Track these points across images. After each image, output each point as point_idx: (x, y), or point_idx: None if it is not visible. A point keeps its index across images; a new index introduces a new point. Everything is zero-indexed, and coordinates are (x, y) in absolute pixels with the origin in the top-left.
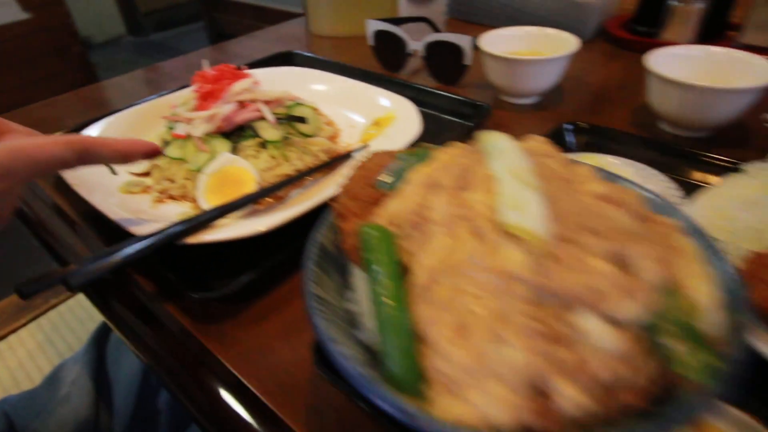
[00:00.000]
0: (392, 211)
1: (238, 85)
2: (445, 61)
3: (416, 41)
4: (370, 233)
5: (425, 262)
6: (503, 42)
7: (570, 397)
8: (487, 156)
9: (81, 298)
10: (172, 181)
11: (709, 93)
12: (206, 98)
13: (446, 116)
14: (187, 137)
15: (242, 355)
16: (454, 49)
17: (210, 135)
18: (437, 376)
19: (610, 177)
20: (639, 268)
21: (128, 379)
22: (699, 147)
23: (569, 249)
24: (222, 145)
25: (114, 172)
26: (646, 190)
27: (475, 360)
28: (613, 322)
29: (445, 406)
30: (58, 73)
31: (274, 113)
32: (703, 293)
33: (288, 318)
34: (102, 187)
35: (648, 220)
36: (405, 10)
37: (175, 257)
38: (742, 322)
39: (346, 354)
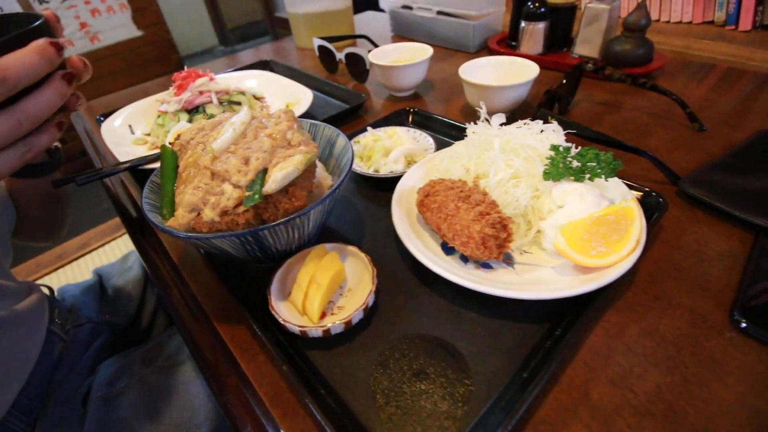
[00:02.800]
0: (181, 140)
1: (198, 81)
2: (357, 66)
3: (340, 52)
4: (166, 149)
5: (181, 163)
6: (388, 54)
7: (208, 215)
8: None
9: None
10: (157, 137)
11: (494, 89)
12: (179, 89)
13: (338, 102)
14: (166, 112)
15: None
16: (360, 59)
17: (178, 111)
18: (176, 207)
19: (305, 126)
20: (252, 163)
21: None
22: None
23: (228, 156)
24: (184, 117)
25: (132, 132)
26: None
27: (180, 199)
28: (234, 185)
29: (172, 221)
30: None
31: (220, 99)
32: (271, 176)
33: None
34: (122, 140)
35: (286, 143)
36: (360, 29)
37: None
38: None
39: (155, 217)
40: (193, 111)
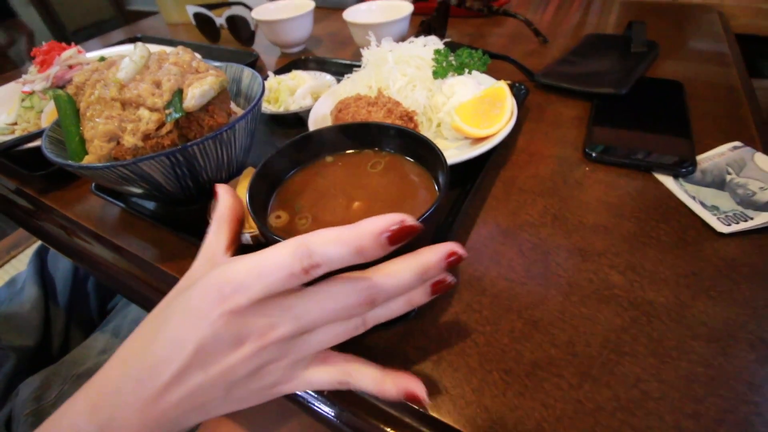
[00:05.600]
0: (75, 82)
1: (65, 54)
2: (241, 30)
3: (219, 18)
4: (59, 94)
5: (82, 104)
6: (271, 12)
7: (130, 141)
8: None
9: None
10: (28, 121)
11: (379, 25)
12: (42, 65)
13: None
14: (32, 92)
15: None
16: (243, 20)
17: (48, 89)
18: (87, 146)
19: (203, 60)
20: (165, 85)
21: (63, 274)
22: None
23: (137, 83)
24: None
25: None
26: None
27: (92, 133)
28: (151, 109)
29: (89, 158)
30: None
31: None
32: (188, 93)
33: None
34: None
35: (194, 70)
36: None
37: None
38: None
39: (59, 157)
40: (65, 87)
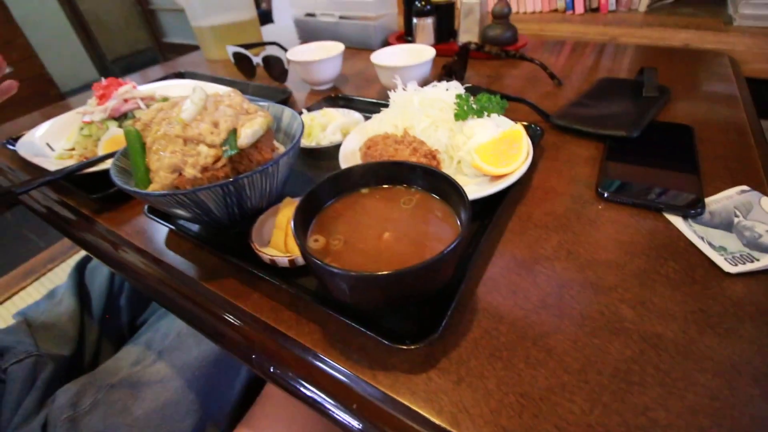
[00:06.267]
0: (143, 120)
1: (121, 89)
2: (275, 68)
3: (255, 57)
4: (129, 130)
5: (148, 139)
6: (303, 53)
7: (190, 172)
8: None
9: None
10: (85, 148)
11: (404, 68)
12: (101, 98)
13: (263, 100)
14: (91, 122)
15: None
16: (278, 60)
17: (106, 120)
18: (152, 176)
19: (250, 100)
20: (222, 125)
21: (99, 289)
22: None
23: (198, 122)
24: (113, 124)
25: (52, 149)
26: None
27: (158, 165)
28: (209, 145)
29: (154, 185)
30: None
31: (147, 104)
32: (242, 133)
33: None
34: (46, 158)
35: (245, 111)
36: (267, 37)
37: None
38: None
39: (126, 184)
40: (120, 118)
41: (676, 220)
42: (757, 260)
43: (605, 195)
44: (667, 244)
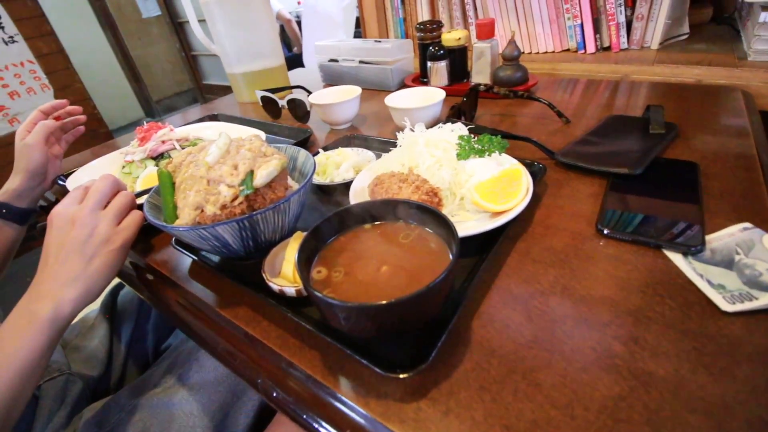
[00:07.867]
0: (174, 162)
1: (160, 132)
2: (298, 110)
3: (281, 100)
4: (161, 171)
5: (178, 179)
6: (324, 96)
7: (211, 210)
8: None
9: None
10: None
11: (414, 110)
12: (143, 140)
13: (286, 139)
14: (132, 161)
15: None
16: (301, 102)
17: (145, 159)
18: (179, 212)
19: (273, 139)
20: (240, 167)
21: (129, 314)
22: None
23: (220, 165)
24: (150, 163)
25: None
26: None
27: (184, 203)
28: (229, 185)
29: (179, 221)
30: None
31: (182, 146)
32: (257, 174)
33: None
34: None
35: (262, 154)
36: (293, 83)
37: None
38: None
39: (156, 219)
40: (157, 158)
41: (676, 257)
42: (756, 299)
43: (605, 231)
44: (665, 281)
